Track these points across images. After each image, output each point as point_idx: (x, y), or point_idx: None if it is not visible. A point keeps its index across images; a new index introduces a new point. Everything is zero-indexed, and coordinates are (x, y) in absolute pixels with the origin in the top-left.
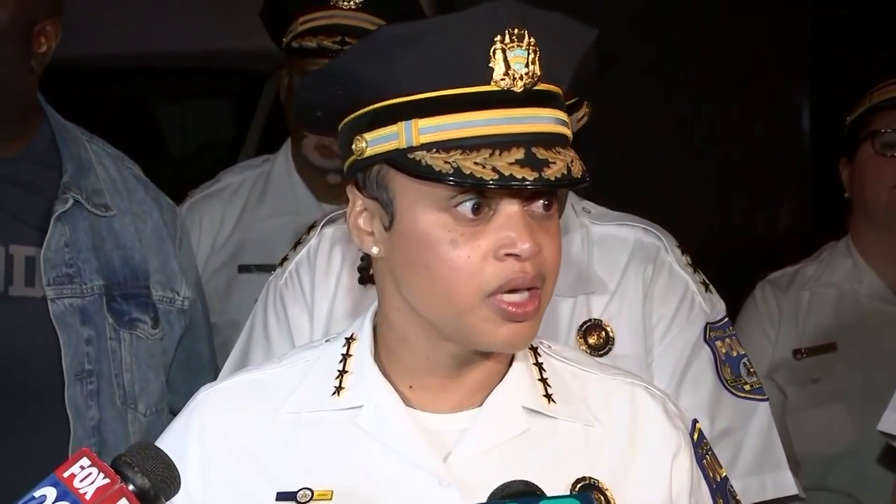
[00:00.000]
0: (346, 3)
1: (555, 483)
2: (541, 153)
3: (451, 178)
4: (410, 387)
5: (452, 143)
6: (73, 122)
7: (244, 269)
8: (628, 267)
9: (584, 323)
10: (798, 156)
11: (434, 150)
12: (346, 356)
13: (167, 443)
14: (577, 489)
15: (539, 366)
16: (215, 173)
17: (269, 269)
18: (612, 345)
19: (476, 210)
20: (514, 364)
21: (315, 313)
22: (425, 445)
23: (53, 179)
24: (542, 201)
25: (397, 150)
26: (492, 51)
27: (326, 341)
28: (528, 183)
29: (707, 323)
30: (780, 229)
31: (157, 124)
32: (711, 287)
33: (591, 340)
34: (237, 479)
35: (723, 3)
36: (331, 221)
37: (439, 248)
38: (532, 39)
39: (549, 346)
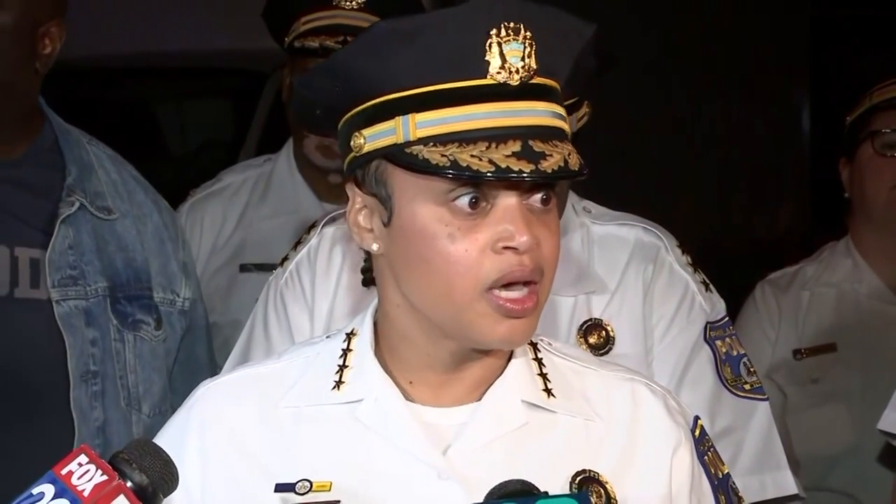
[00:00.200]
0: (348, 3)
1: (554, 477)
2: (538, 146)
3: (448, 172)
4: (411, 382)
5: (449, 137)
6: (73, 122)
7: (245, 268)
8: (628, 266)
9: (585, 322)
10: (798, 156)
11: (431, 144)
12: (346, 351)
13: (167, 437)
14: (576, 482)
15: (539, 361)
16: (215, 173)
17: (270, 268)
18: (613, 344)
19: (473, 204)
20: (514, 359)
21: (315, 313)
22: (425, 439)
23: (57, 182)
24: (540, 195)
25: (395, 144)
26: (488, 44)
27: (327, 337)
28: (525, 175)
29: (707, 322)
30: (780, 229)
31: (157, 124)
32: (711, 287)
33: (592, 340)
34: (236, 472)
35: (723, 3)
36: (331, 221)
37: (437, 243)
38: (528, 33)
39: (550, 343)
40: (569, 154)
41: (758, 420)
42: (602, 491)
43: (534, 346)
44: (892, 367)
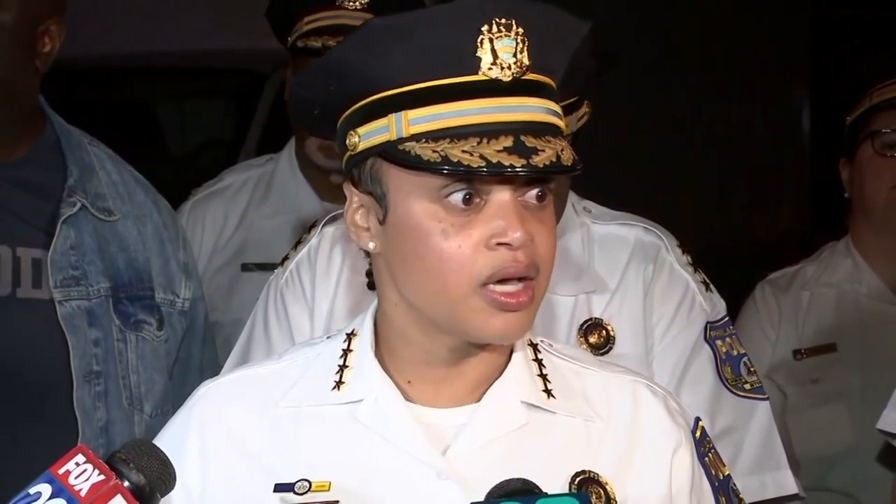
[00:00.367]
0: (351, 3)
1: (554, 477)
2: (530, 141)
3: (440, 167)
4: (409, 382)
5: (441, 133)
6: (73, 122)
7: (247, 267)
8: (629, 266)
9: (585, 322)
10: (798, 156)
11: (423, 140)
12: (346, 351)
13: (168, 437)
14: (576, 482)
15: (539, 362)
16: (215, 173)
17: (271, 268)
18: (613, 344)
19: (467, 200)
20: (513, 360)
21: (315, 312)
22: (424, 439)
23: (58, 182)
24: (534, 191)
25: (388, 141)
26: (479, 40)
27: (328, 338)
28: (517, 169)
29: (707, 322)
30: (780, 229)
31: (157, 124)
32: (712, 286)
33: (592, 339)
34: (236, 472)
35: (723, 3)
36: (331, 220)
37: (431, 239)
38: (520, 29)
39: (550, 344)
40: (562, 150)
41: (758, 420)
42: (602, 491)
43: (534, 346)
44: (892, 367)
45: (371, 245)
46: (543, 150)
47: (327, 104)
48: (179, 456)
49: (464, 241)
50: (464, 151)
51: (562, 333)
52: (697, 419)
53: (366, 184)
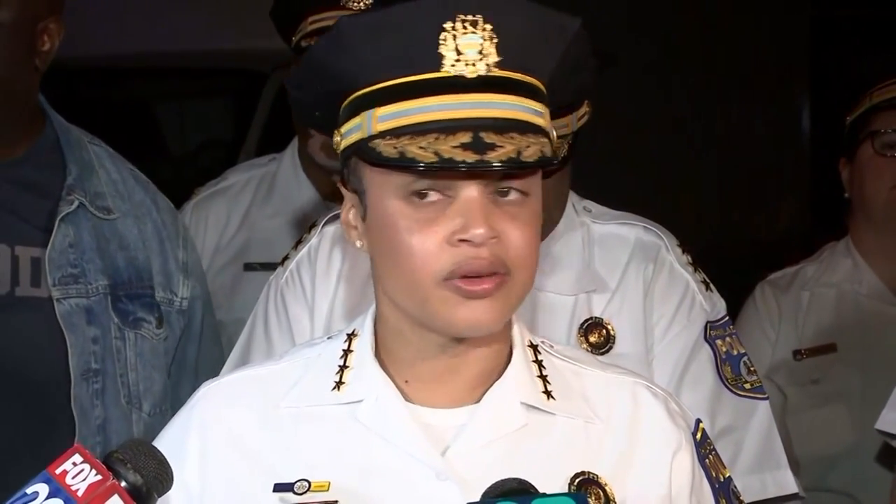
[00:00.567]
0: (355, 3)
1: (553, 478)
2: (489, 137)
3: (396, 163)
4: (406, 381)
5: (404, 130)
6: (73, 122)
7: (249, 267)
8: (629, 266)
9: (585, 321)
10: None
11: (388, 137)
12: (347, 352)
13: (168, 438)
14: (575, 483)
15: (539, 363)
16: (215, 173)
17: (274, 267)
18: (613, 343)
19: (430, 196)
20: (513, 361)
21: (316, 312)
22: (424, 439)
23: (58, 181)
24: (507, 188)
25: (362, 139)
26: (442, 37)
27: (328, 338)
28: (466, 165)
29: (707, 322)
30: (780, 229)
31: (157, 124)
32: (712, 286)
33: (592, 339)
34: (236, 472)
35: (723, 3)
36: (331, 220)
37: (399, 236)
38: (488, 26)
39: (551, 346)
40: (527, 146)
41: (758, 419)
42: (601, 492)
43: (534, 347)
44: (892, 367)
45: (358, 243)
46: (502, 147)
47: (320, 103)
48: (179, 456)
49: (428, 237)
50: (420, 148)
51: (562, 333)
52: (698, 421)
53: (351, 182)
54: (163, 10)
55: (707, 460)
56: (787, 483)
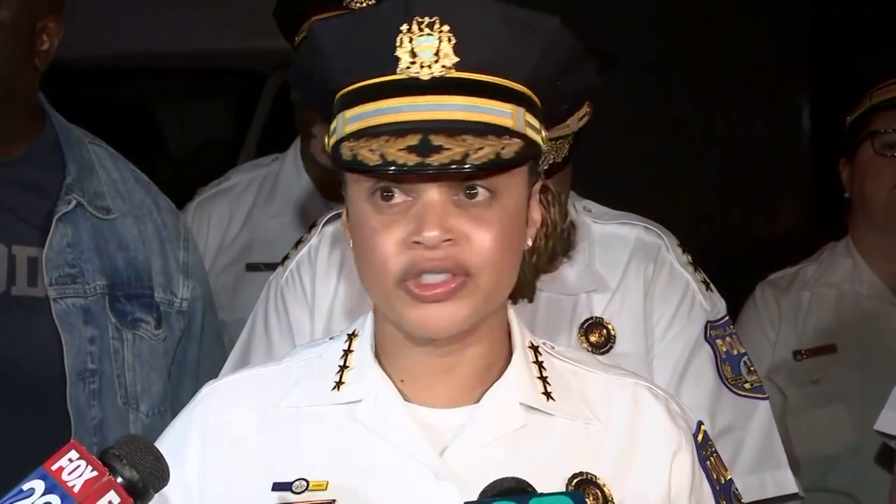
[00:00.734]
0: (358, 3)
1: (551, 478)
2: (438, 140)
3: (345, 165)
4: (402, 381)
5: (363, 132)
6: (72, 122)
7: (252, 267)
8: (629, 265)
9: (586, 321)
10: (798, 156)
11: (352, 139)
12: (347, 352)
13: (170, 438)
14: (573, 483)
15: (539, 364)
16: (215, 173)
17: (276, 267)
18: (614, 343)
19: (387, 198)
20: (513, 362)
21: (316, 312)
22: (422, 439)
23: (57, 181)
24: (465, 189)
25: (336, 141)
26: (399, 39)
27: (330, 339)
28: (406, 168)
29: (707, 321)
30: (780, 229)
31: (157, 124)
32: (712, 286)
33: (593, 338)
34: (235, 471)
35: (723, 3)
36: (332, 220)
37: (365, 236)
38: (446, 27)
39: (553, 347)
40: (479, 148)
41: (758, 419)
42: (599, 493)
43: (534, 349)
44: (892, 367)
45: (351, 243)
46: (450, 149)
47: (317, 105)
48: (180, 456)
49: (387, 238)
50: (370, 150)
51: (562, 332)
52: (700, 423)
53: (341, 184)
54: (163, 10)
55: (708, 462)
56: (787, 483)
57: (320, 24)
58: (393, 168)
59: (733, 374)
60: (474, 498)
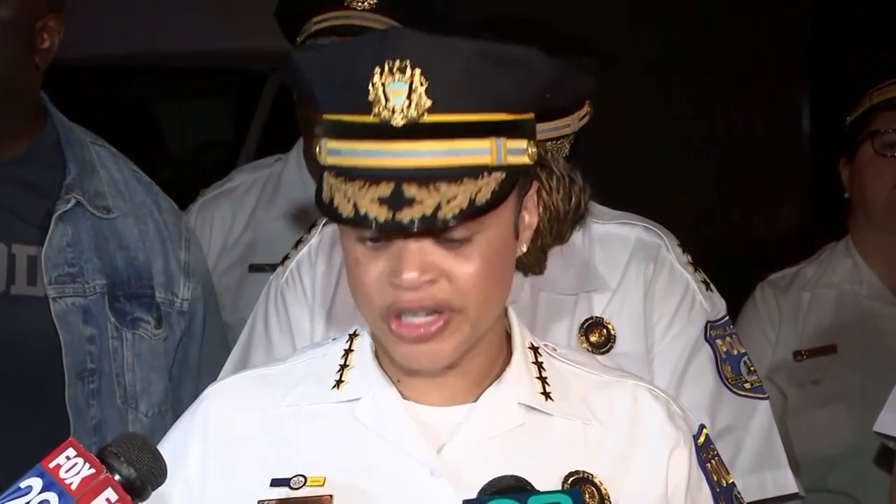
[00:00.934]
0: (359, 3)
1: (548, 477)
2: (411, 191)
3: (322, 206)
4: (398, 381)
5: (340, 170)
6: (72, 122)
7: (255, 268)
8: (629, 265)
9: (586, 321)
10: (798, 156)
11: (332, 172)
12: (348, 351)
13: (173, 438)
14: (569, 482)
15: (538, 364)
16: (215, 173)
17: None
18: (614, 343)
19: (369, 234)
20: (512, 362)
21: (316, 312)
22: (419, 437)
23: (57, 180)
24: (445, 233)
25: (323, 165)
26: (372, 82)
27: (333, 339)
28: (378, 224)
29: (707, 321)
30: (780, 229)
31: (157, 124)
32: (712, 286)
33: (593, 338)
34: (235, 468)
35: (723, 3)
36: None
37: (349, 265)
38: (417, 70)
39: (554, 349)
40: (452, 198)
41: (758, 419)
42: (595, 491)
43: (535, 350)
44: (892, 367)
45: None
46: (421, 202)
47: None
48: (183, 455)
49: (371, 271)
50: (346, 197)
51: (562, 332)
52: (702, 426)
53: None
54: (163, 10)
55: (709, 465)
56: (787, 483)
57: (299, 54)
58: (364, 223)
59: (733, 374)
60: (471, 495)
